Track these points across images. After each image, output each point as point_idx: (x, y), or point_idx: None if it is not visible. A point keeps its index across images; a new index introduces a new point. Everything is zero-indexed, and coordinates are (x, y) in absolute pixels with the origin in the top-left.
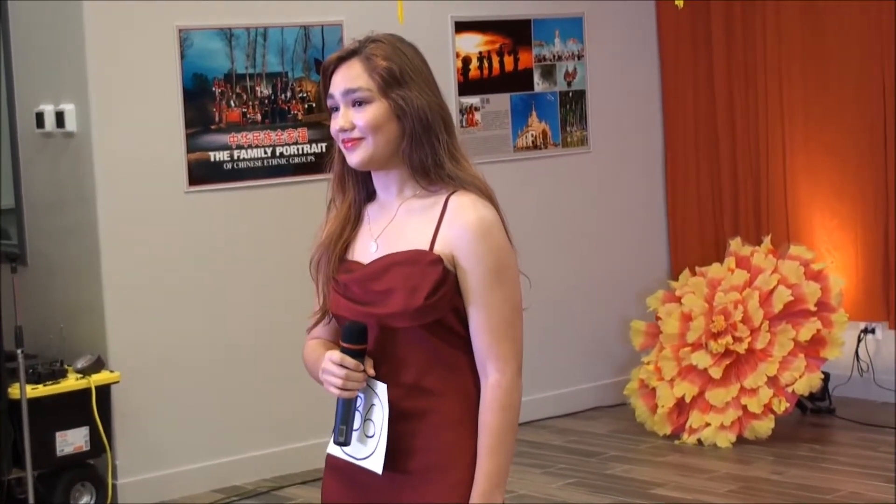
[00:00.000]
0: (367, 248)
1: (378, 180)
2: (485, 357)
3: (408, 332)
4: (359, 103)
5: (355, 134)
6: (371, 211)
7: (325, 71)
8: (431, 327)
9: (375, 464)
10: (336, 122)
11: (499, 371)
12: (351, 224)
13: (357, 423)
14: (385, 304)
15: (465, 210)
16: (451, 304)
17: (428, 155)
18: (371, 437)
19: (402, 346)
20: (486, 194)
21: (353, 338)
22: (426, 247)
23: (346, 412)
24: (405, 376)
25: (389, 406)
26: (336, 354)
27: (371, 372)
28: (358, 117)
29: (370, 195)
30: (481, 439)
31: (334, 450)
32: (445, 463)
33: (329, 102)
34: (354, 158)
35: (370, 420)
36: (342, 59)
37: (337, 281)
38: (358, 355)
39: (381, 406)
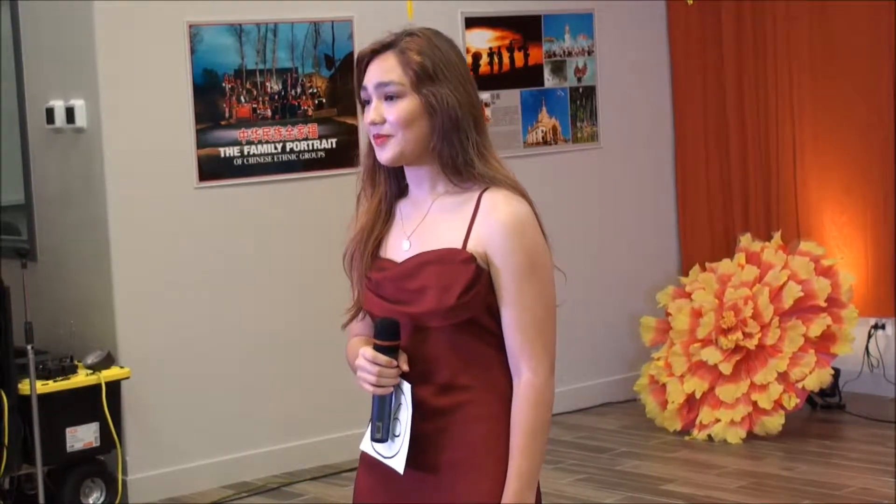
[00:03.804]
0: (399, 246)
1: (410, 175)
2: (517, 356)
3: (440, 330)
4: (391, 97)
5: (385, 130)
6: (403, 207)
7: (359, 63)
8: (464, 326)
9: (398, 463)
10: (367, 116)
11: (531, 370)
12: (382, 219)
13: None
14: (417, 303)
15: (497, 206)
16: (484, 303)
17: (458, 153)
18: (398, 436)
19: (435, 345)
20: (519, 191)
21: (385, 334)
22: (459, 245)
23: (381, 409)
24: (438, 375)
25: (422, 404)
26: (369, 351)
27: (405, 367)
28: (389, 112)
29: (402, 190)
30: (513, 439)
31: (366, 446)
32: (477, 458)
33: (362, 94)
34: (384, 155)
35: (397, 419)
36: (376, 52)
37: (370, 279)
38: (391, 351)
39: (406, 406)
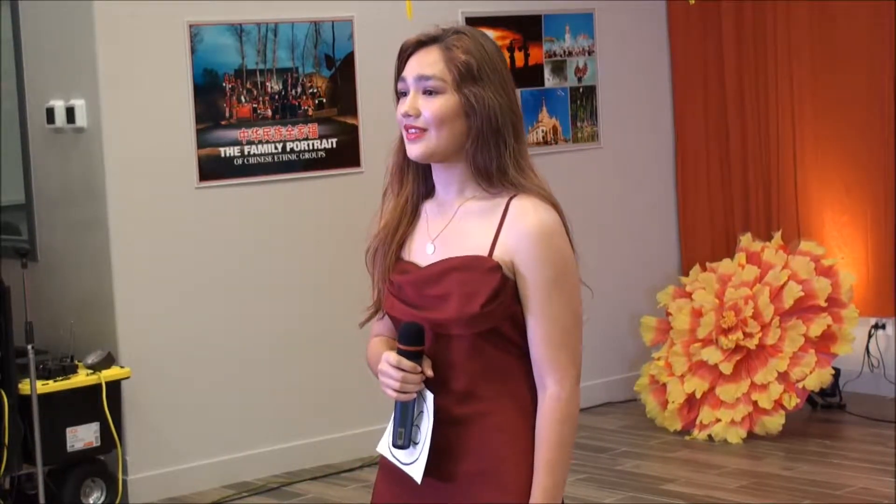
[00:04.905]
0: (423, 249)
1: (438, 176)
2: (542, 368)
3: (462, 339)
4: (429, 92)
5: (419, 123)
6: (429, 209)
7: (402, 53)
8: (486, 335)
9: (416, 472)
10: (402, 107)
11: (557, 383)
12: (408, 219)
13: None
14: (440, 310)
15: (525, 215)
16: (508, 312)
17: (493, 159)
18: (417, 443)
19: (456, 353)
20: (549, 200)
21: (409, 339)
22: (485, 252)
23: (404, 415)
24: (458, 383)
25: (441, 412)
26: (392, 356)
27: (429, 373)
28: (426, 106)
29: (429, 191)
30: (538, 453)
31: (383, 449)
32: (497, 467)
33: (399, 86)
34: (414, 151)
35: (417, 427)
36: (422, 44)
37: (391, 281)
38: (415, 357)
39: (427, 414)
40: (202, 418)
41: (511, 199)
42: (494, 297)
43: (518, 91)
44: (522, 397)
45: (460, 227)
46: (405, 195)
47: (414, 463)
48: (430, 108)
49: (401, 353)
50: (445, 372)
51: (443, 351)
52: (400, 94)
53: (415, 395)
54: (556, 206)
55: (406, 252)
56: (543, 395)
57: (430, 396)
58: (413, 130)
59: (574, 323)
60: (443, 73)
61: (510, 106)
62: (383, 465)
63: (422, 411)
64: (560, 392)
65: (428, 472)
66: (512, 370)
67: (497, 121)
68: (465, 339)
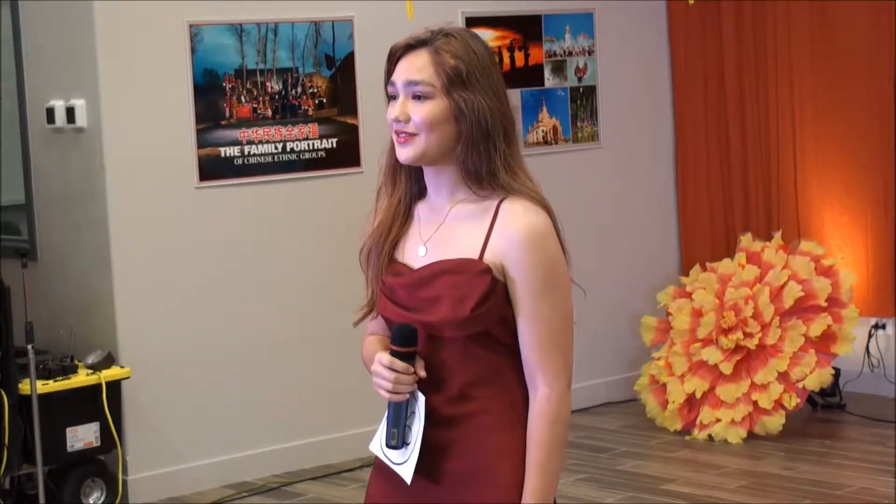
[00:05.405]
0: (415, 251)
1: (429, 179)
2: (534, 370)
3: (454, 341)
4: (419, 97)
5: (409, 128)
6: (421, 210)
7: (391, 56)
8: (478, 337)
9: (407, 472)
10: (392, 111)
11: (548, 385)
12: (400, 220)
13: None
14: (431, 312)
15: (515, 217)
16: (499, 315)
17: (483, 162)
18: (408, 444)
19: (448, 355)
20: (540, 202)
21: (402, 340)
22: (476, 255)
23: (396, 415)
24: (450, 384)
25: (434, 413)
26: (385, 357)
27: (422, 374)
28: (415, 111)
29: (422, 191)
30: (530, 455)
31: (375, 448)
32: (490, 467)
33: (389, 89)
34: (404, 154)
35: (409, 427)
36: (410, 47)
37: (384, 283)
38: (408, 358)
39: (418, 416)
40: (202, 418)
41: (501, 201)
42: (485, 300)
43: (517, 91)
44: (515, 398)
45: (451, 229)
46: (398, 195)
47: (405, 463)
48: (420, 113)
49: (394, 354)
50: (438, 373)
51: (435, 352)
52: (390, 97)
53: (407, 396)
54: (547, 208)
55: (399, 253)
56: (535, 396)
57: (421, 398)
58: (403, 134)
59: (565, 325)
60: (431, 77)
61: (500, 109)
62: (377, 464)
63: (414, 412)
64: (551, 394)
65: (421, 471)
66: (504, 371)
67: (487, 124)
68: (458, 341)
